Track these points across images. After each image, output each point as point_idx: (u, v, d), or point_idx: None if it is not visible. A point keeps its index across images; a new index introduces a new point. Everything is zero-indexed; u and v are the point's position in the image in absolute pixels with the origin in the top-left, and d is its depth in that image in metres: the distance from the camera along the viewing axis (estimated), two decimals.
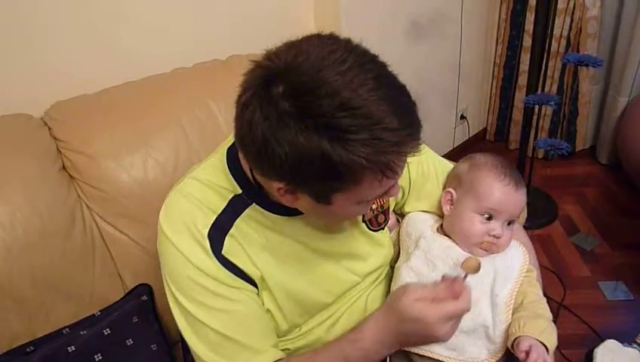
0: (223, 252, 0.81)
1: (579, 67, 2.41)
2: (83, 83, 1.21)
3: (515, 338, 0.87)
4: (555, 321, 0.92)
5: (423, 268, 0.96)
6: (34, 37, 1.19)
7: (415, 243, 1.00)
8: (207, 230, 0.81)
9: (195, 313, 0.81)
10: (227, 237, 0.82)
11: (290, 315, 0.90)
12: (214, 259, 0.80)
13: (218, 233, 0.81)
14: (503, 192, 0.94)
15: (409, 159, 0.97)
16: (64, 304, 1.05)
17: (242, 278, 0.83)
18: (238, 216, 0.83)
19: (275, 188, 0.72)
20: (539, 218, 2.29)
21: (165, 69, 1.31)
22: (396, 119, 0.64)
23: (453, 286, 0.77)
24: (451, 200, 1.00)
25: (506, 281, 0.93)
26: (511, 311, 0.92)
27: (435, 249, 0.97)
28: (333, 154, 0.62)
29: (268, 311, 0.88)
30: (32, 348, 0.99)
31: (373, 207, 0.97)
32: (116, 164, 1.11)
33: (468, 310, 0.78)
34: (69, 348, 0.97)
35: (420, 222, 1.03)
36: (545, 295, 0.98)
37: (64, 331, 1.03)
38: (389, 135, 0.63)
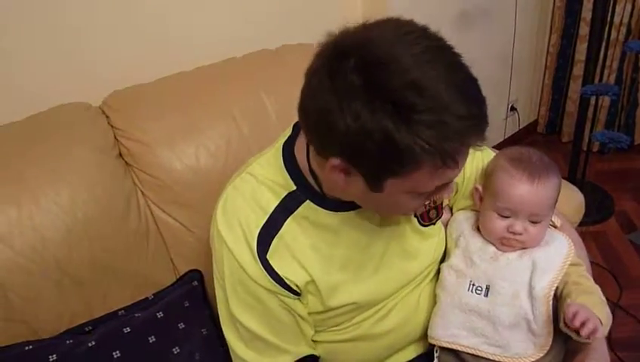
0: (267, 256, 0.82)
1: None
2: (138, 73, 1.24)
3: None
4: None
5: (461, 265, 0.96)
6: (93, 30, 1.22)
7: (455, 242, 1.00)
8: (258, 231, 0.82)
9: (232, 306, 0.85)
10: (275, 240, 0.82)
11: (340, 312, 0.90)
12: (258, 262, 0.81)
13: (267, 235, 0.82)
14: (518, 191, 0.89)
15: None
16: (120, 286, 1.09)
17: (281, 285, 0.83)
18: (289, 215, 0.83)
19: (329, 166, 0.70)
20: (594, 214, 2.20)
21: (215, 58, 1.32)
22: (464, 107, 0.62)
23: None
24: (480, 196, 0.98)
25: (545, 273, 0.90)
26: (550, 303, 0.89)
27: (472, 245, 0.96)
28: (396, 134, 0.61)
29: (311, 313, 0.89)
30: (90, 327, 1.03)
31: (426, 202, 0.95)
32: (170, 152, 1.13)
33: None
34: (124, 329, 1.00)
35: (460, 222, 1.02)
36: None
37: (120, 313, 1.07)
38: (455, 122, 0.62)
